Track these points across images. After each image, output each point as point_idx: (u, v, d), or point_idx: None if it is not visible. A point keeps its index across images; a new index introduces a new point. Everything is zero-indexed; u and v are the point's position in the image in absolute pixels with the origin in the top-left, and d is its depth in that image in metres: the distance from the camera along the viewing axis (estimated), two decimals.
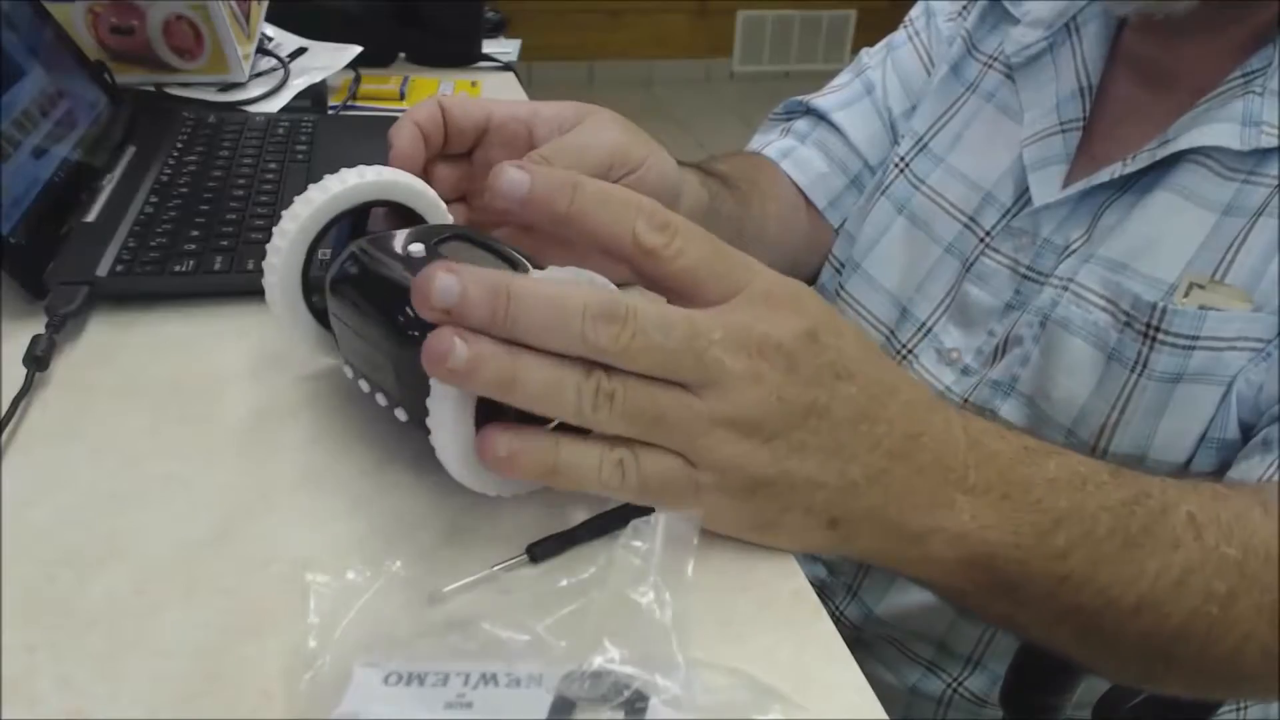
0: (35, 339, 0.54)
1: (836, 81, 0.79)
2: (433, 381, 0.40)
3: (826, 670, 0.40)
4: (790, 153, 0.76)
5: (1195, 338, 0.52)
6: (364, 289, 0.47)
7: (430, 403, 0.41)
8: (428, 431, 0.42)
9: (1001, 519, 0.38)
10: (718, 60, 3.91)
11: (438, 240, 0.47)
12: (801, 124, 0.79)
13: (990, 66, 0.67)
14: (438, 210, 0.55)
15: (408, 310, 0.43)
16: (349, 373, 0.50)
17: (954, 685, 0.66)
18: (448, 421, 0.41)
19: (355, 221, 0.51)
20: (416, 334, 0.42)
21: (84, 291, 0.58)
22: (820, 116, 0.77)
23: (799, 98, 0.79)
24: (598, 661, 0.37)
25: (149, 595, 0.41)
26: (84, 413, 0.51)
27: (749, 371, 0.34)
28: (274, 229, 0.50)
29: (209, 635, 0.39)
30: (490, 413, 0.42)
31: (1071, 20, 0.63)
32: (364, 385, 0.48)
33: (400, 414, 0.45)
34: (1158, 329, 0.53)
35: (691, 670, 0.37)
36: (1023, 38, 0.65)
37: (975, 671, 0.65)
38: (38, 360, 0.52)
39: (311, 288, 0.51)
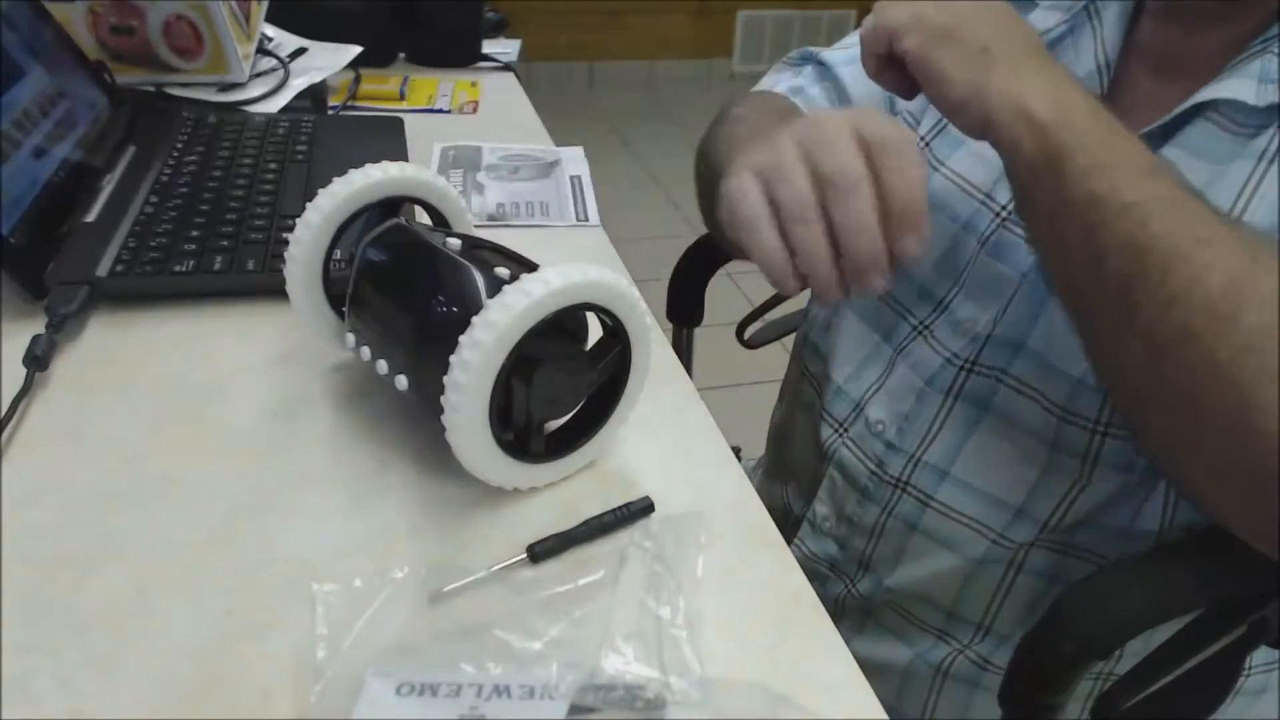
0: (35, 339, 0.54)
1: (847, 40, 0.82)
2: (452, 366, 0.41)
3: (827, 669, 0.40)
4: (801, 92, 0.79)
5: None
6: (403, 257, 0.49)
7: (448, 385, 0.41)
8: (431, 405, 0.43)
9: (1086, 103, 0.49)
10: (718, 60, 3.90)
11: (468, 244, 0.49)
12: (810, 71, 0.82)
13: None
14: (459, 211, 0.56)
15: (442, 294, 0.46)
16: (351, 340, 0.50)
17: (961, 650, 0.66)
18: (464, 406, 0.41)
19: (372, 222, 0.52)
20: (444, 311, 0.45)
21: (84, 291, 0.58)
22: (828, 68, 0.80)
23: (811, 49, 0.83)
24: (611, 666, 0.37)
25: (149, 595, 0.41)
26: (84, 413, 0.51)
27: None
28: (297, 220, 0.50)
29: (209, 635, 0.39)
30: (504, 400, 0.43)
31: (1091, 3, 0.63)
32: (366, 352, 0.49)
33: (401, 381, 0.46)
34: None
35: (706, 674, 0.37)
36: (1042, 22, 0.65)
37: (985, 637, 0.65)
38: (38, 360, 0.53)
39: (330, 282, 0.52)
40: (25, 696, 0.36)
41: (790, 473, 0.79)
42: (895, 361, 0.67)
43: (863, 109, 0.49)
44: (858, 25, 0.81)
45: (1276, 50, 0.53)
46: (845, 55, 0.79)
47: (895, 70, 0.55)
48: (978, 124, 0.53)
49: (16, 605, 0.40)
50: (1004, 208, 0.63)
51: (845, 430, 0.70)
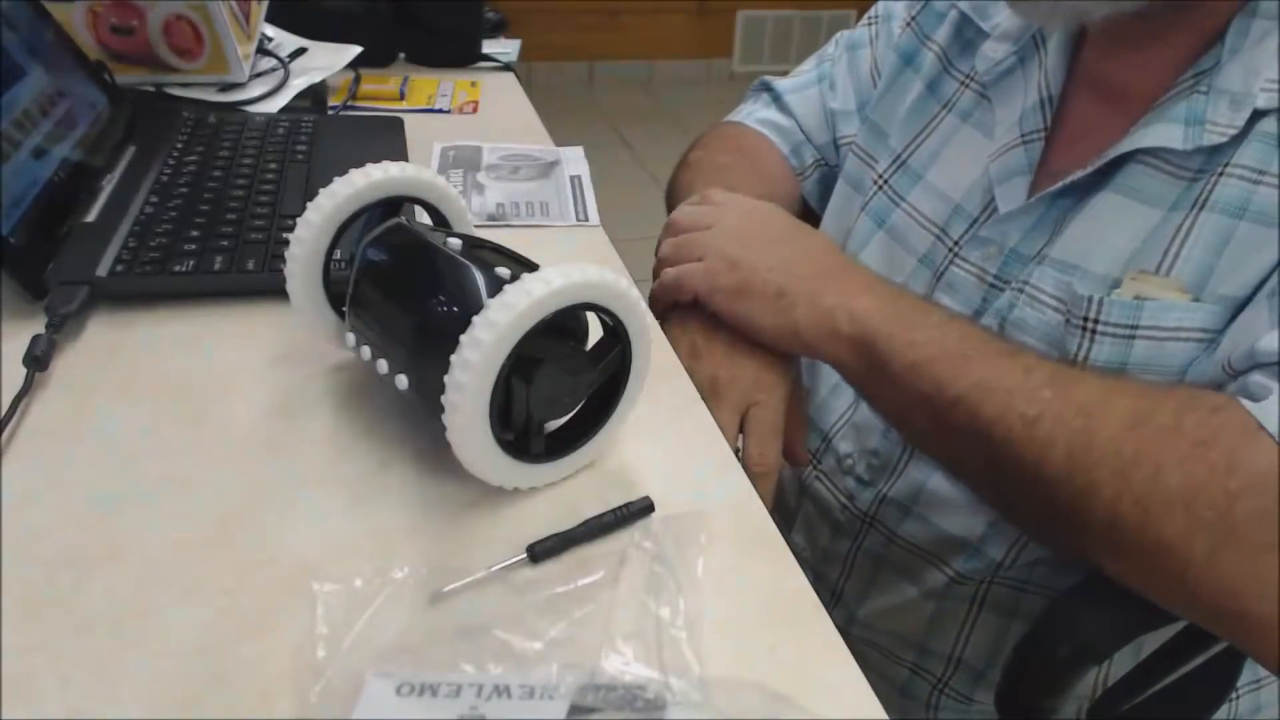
0: (35, 339, 0.54)
1: (800, 69, 0.87)
2: (453, 365, 0.41)
3: (826, 669, 0.40)
4: (771, 124, 0.84)
5: (1134, 327, 0.53)
6: (404, 257, 0.49)
7: (448, 384, 0.41)
8: (431, 404, 0.43)
9: (885, 309, 0.54)
10: (718, 60, 3.90)
11: (469, 244, 0.49)
12: (766, 98, 0.88)
13: (967, 86, 0.69)
14: (459, 211, 0.56)
15: (443, 294, 0.46)
16: (351, 339, 0.50)
17: (939, 686, 0.66)
18: (465, 405, 0.41)
19: (373, 222, 0.52)
20: (445, 310, 0.45)
21: (84, 291, 0.58)
22: (778, 95, 0.86)
23: (767, 78, 0.89)
24: (611, 666, 0.37)
25: (149, 595, 0.41)
26: (84, 413, 0.51)
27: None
28: (298, 219, 0.50)
29: (209, 635, 0.39)
30: (504, 399, 0.43)
31: (1038, 32, 0.64)
32: (366, 352, 0.49)
33: (401, 381, 0.46)
34: (1096, 320, 0.54)
35: (706, 674, 0.37)
36: (992, 53, 0.66)
37: (957, 670, 0.65)
38: (38, 360, 0.52)
39: (330, 282, 0.52)
40: (25, 696, 0.36)
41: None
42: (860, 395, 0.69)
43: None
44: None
45: (1205, 89, 0.53)
46: (791, 84, 0.86)
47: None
48: (801, 353, 0.58)
49: (16, 605, 0.40)
50: (955, 243, 0.65)
51: (818, 463, 0.72)
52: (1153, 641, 0.54)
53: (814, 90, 0.83)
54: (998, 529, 0.61)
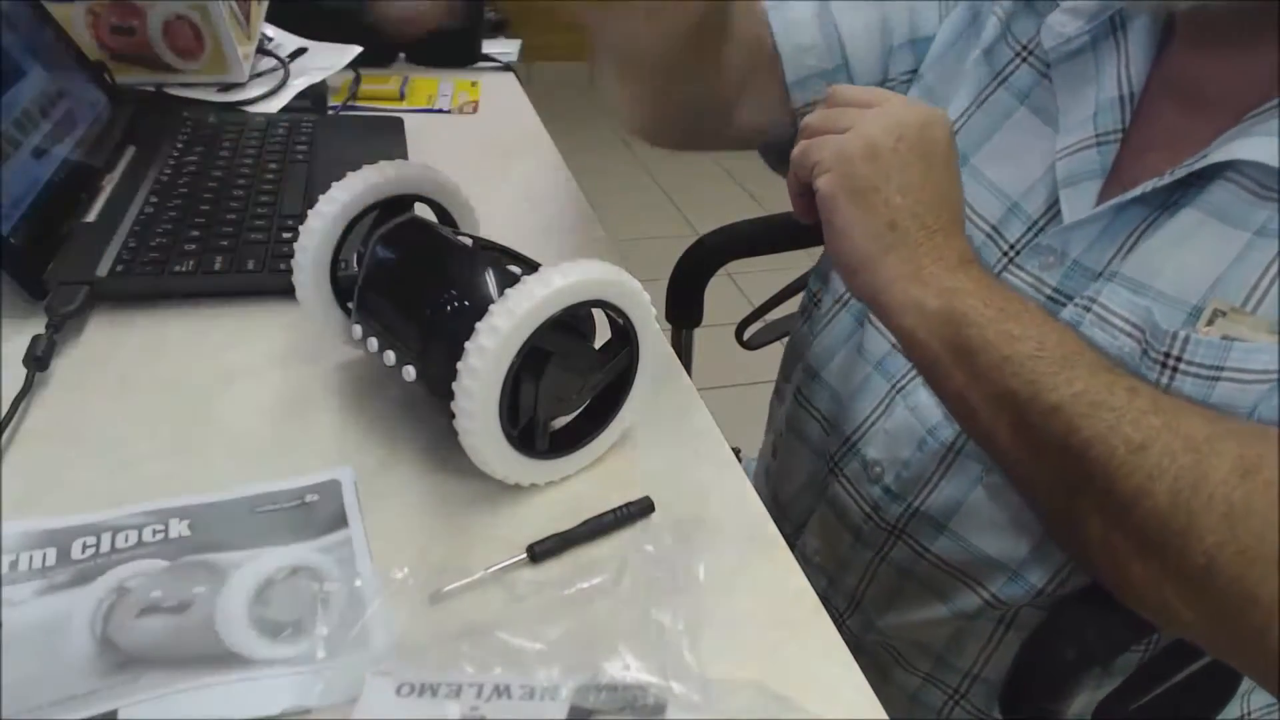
0: (35, 339, 0.54)
1: None
2: (468, 353, 0.41)
3: (827, 670, 0.40)
4: (788, 23, 0.68)
5: (1220, 369, 0.49)
6: (419, 249, 0.49)
7: (462, 371, 0.41)
8: (438, 396, 0.43)
9: (981, 291, 0.49)
10: None
11: (479, 243, 0.50)
12: None
13: (1024, 59, 0.61)
14: (468, 211, 0.56)
15: (458, 285, 0.46)
16: (359, 330, 0.50)
17: (954, 697, 0.65)
18: (478, 392, 0.42)
19: (380, 221, 0.52)
20: (460, 300, 0.45)
21: (84, 291, 0.58)
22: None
23: None
24: (612, 667, 0.37)
25: None
26: (84, 413, 0.51)
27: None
28: (310, 211, 0.51)
29: None
30: (512, 394, 0.43)
31: (1117, 14, 0.56)
32: (374, 343, 0.49)
33: (409, 372, 0.46)
34: (1179, 359, 0.50)
35: (706, 675, 0.37)
36: (1062, 27, 0.58)
37: (974, 684, 0.64)
38: (38, 360, 0.52)
39: (336, 279, 0.53)
40: None
41: (782, 499, 0.76)
42: (894, 400, 0.63)
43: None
44: None
45: None
46: None
47: (811, 198, 0.54)
48: (865, 297, 0.52)
49: None
50: (1012, 247, 0.59)
51: (838, 466, 0.67)
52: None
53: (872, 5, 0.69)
54: (1041, 554, 0.57)
